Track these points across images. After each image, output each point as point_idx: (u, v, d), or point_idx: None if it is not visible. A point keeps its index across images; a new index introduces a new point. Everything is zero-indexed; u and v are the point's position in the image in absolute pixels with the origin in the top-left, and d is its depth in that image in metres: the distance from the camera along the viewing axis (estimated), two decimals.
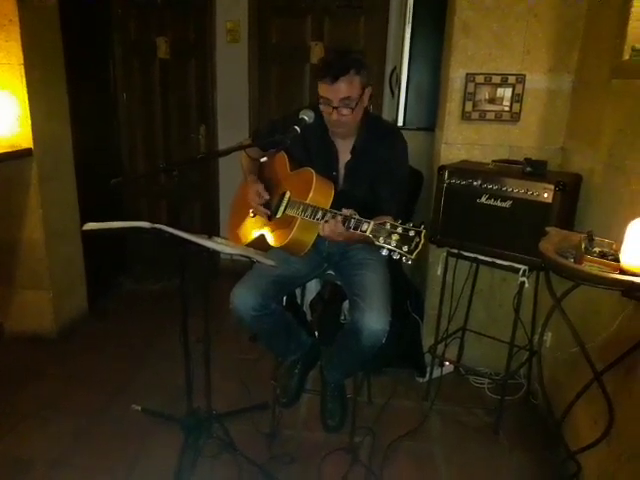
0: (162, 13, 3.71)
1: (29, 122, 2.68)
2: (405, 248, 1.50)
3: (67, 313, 3.12)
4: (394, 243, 1.51)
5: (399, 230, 1.51)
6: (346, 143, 1.98)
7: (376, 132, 1.98)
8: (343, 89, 1.79)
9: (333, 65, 1.79)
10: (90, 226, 1.57)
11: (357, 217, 1.63)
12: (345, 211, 1.67)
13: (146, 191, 3.98)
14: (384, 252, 1.53)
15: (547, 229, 1.75)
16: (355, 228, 1.61)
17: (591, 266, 1.49)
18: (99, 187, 2.39)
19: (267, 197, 1.99)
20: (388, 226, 1.53)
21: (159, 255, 3.49)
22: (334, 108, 1.82)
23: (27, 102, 2.65)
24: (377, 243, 1.53)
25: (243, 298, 1.85)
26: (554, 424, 1.83)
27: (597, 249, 1.56)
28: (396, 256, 1.52)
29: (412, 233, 1.50)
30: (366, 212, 1.87)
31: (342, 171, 2.00)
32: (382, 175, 1.95)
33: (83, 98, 3.21)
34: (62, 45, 2.89)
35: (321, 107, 1.86)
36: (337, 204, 1.80)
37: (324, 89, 1.81)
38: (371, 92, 1.91)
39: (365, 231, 1.58)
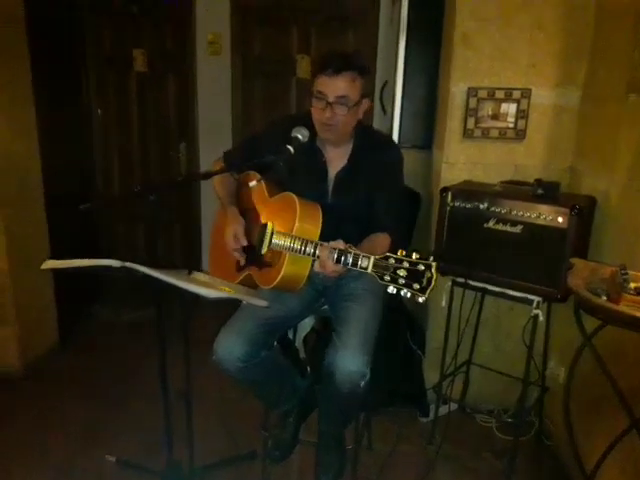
0: (139, 24, 3.50)
1: None
2: (416, 286, 1.32)
3: (35, 349, 2.85)
4: (402, 280, 1.33)
5: (405, 264, 1.33)
6: (338, 151, 1.78)
7: (370, 141, 1.80)
8: (343, 85, 1.61)
9: (337, 59, 1.62)
10: (50, 264, 1.35)
11: (354, 251, 1.44)
12: (339, 243, 1.46)
13: (123, 214, 3.74)
14: (391, 289, 1.34)
15: (572, 261, 1.57)
16: (353, 264, 1.42)
17: (631, 306, 1.31)
18: (71, 211, 2.17)
19: (244, 244, 1.75)
20: (392, 260, 1.34)
21: (135, 281, 3.23)
22: (328, 104, 1.62)
23: None
24: (382, 282, 1.34)
25: (228, 347, 1.61)
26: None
27: (632, 284, 1.39)
28: (406, 294, 1.33)
29: (421, 267, 1.31)
30: (359, 227, 1.71)
31: (332, 182, 1.80)
32: (378, 185, 1.77)
33: (53, 114, 2.97)
34: (29, 57, 2.66)
35: (313, 104, 1.67)
36: (327, 220, 1.62)
37: (322, 82, 1.62)
38: (368, 105, 1.74)
39: (365, 268, 1.39)
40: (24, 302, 2.75)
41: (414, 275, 1.31)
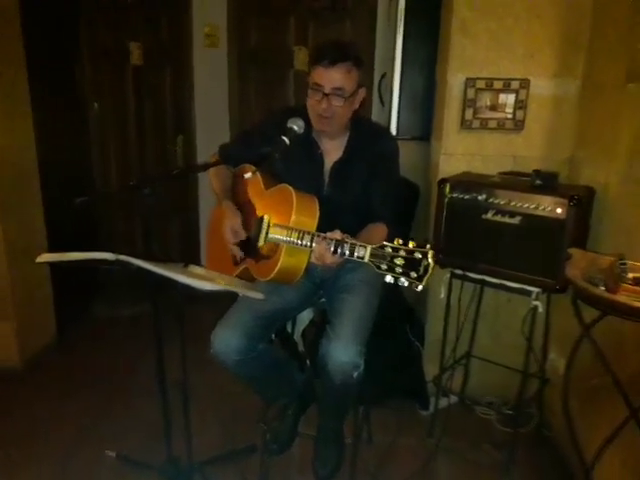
0: (134, 16, 3.47)
1: None
2: (413, 274, 1.31)
3: (33, 344, 2.84)
4: (399, 269, 1.32)
5: (402, 253, 1.32)
6: (334, 143, 1.78)
7: (366, 131, 1.80)
8: (339, 77, 1.60)
9: (333, 50, 1.61)
10: (44, 258, 1.35)
11: (351, 240, 1.42)
12: (336, 234, 1.45)
13: (121, 207, 3.72)
14: (388, 279, 1.33)
15: (570, 251, 1.56)
16: (350, 254, 1.41)
17: (629, 296, 1.30)
18: (69, 204, 2.16)
19: (243, 237, 1.75)
20: (389, 249, 1.33)
21: (132, 275, 3.22)
22: (325, 95, 1.61)
23: None
24: (379, 271, 1.34)
25: (225, 340, 1.61)
26: (583, 472, 1.63)
27: (631, 275, 1.38)
28: (403, 284, 1.32)
29: (418, 255, 1.31)
30: (356, 218, 1.70)
31: (327, 174, 1.79)
32: (374, 176, 1.77)
33: (49, 108, 2.95)
34: (23, 50, 2.63)
35: (309, 96, 1.66)
36: (323, 211, 1.61)
37: (318, 73, 1.62)
38: (364, 95, 1.73)
39: (362, 257, 1.38)
40: (22, 297, 2.74)
41: (411, 263, 1.31)
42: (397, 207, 1.82)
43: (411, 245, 1.32)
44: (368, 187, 1.77)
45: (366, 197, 1.77)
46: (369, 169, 1.76)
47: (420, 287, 1.31)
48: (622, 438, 1.55)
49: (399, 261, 1.31)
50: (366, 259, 1.37)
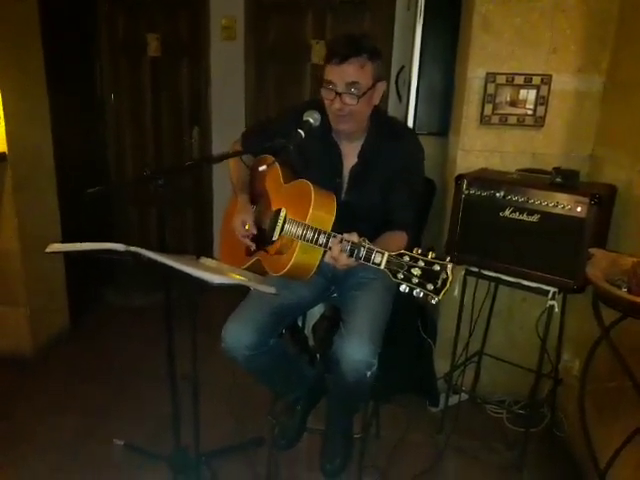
0: (153, 8, 3.47)
1: (2, 124, 2.43)
2: (430, 286, 1.27)
3: (46, 331, 2.86)
4: (415, 280, 1.28)
5: (420, 263, 1.28)
6: (353, 145, 1.72)
7: (388, 132, 1.71)
8: (352, 72, 1.53)
9: (344, 45, 1.55)
10: (53, 248, 1.33)
11: (368, 245, 1.38)
12: (353, 236, 1.41)
13: (135, 198, 3.74)
14: (403, 288, 1.30)
15: (591, 251, 1.52)
16: (366, 259, 1.37)
17: None
18: (83, 195, 2.17)
19: (254, 232, 1.73)
20: (407, 258, 1.29)
21: (144, 265, 3.23)
22: (337, 94, 1.56)
23: (0, 101, 2.40)
24: (395, 280, 1.30)
25: (236, 336, 1.59)
26: (598, 476, 1.59)
27: None
28: (419, 294, 1.29)
29: (437, 267, 1.26)
30: (373, 225, 1.66)
31: (346, 177, 1.74)
32: (396, 179, 1.69)
33: (66, 98, 2.96)
34: (41, 40, 2.64)
35: (322, 94, 1.60)
36: (340, 216, 1.58)
37: (330, 70, 1.56)
38: (384, 90, 1.66)
39: (379, 264, 1.34)
40: (35, 285, 2.75)
41: (429, 275, 1.27)
42: (418, 212, 1.77)
43: (430, 256, 1.28)
44: (388, 193, 1.71)
45: (385, 202, 1.72)
46: (389, 174, 1.70)
47: (436, 300, 1.27)
48: (637, 441, 1.52)
49: (416, 271, 1.28)
50: (382, 266, 1.33)
